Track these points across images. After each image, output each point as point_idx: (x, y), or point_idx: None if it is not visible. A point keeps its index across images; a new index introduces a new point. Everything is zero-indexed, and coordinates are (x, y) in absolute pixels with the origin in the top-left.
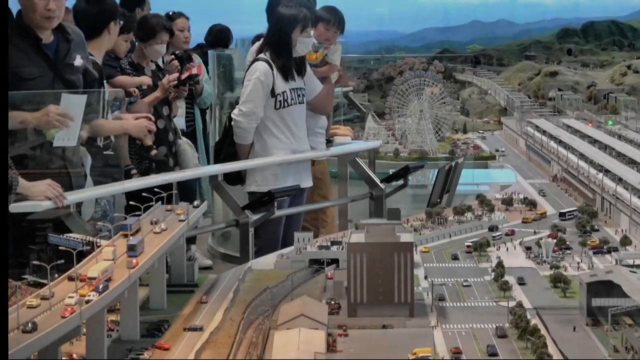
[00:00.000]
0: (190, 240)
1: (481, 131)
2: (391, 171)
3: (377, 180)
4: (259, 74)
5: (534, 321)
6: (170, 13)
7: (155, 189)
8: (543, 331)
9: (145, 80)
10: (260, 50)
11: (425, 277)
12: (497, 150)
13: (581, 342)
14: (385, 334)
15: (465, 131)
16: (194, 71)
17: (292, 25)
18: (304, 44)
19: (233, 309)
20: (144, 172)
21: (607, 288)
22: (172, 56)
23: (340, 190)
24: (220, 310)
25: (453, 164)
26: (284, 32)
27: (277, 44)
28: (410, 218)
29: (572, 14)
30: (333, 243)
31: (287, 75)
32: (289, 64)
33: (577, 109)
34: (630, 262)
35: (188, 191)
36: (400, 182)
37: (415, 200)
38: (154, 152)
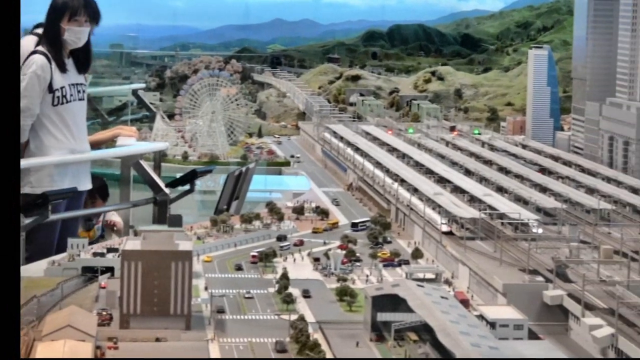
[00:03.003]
0: None
1: (277, 135)
2: (178, 175)
3: (162, 185)
4: (35, 67)
5: (316, 335)
6: None
7: None
8: (324, 346)
9: None
10: (38, 42)
11: (206, 288)
12: (292, 156)
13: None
14: (158, 347)
15: (260, 135)
16: None
17: (59, 13)
18: (73, 33)
19: None
20: None
21: (392, 302)
22: None
23: (122, 194)
24: None
25: (243, 169)
26: (51, 21)
27: (48, 34)
28: (195, 225)
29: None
30: (109, 250)
31: (61, 68)
32: (59, 55)
33: (379, 115)
34: (421, 275)
35: None
36: (187, 187)
37: (204, 206)
38: None
